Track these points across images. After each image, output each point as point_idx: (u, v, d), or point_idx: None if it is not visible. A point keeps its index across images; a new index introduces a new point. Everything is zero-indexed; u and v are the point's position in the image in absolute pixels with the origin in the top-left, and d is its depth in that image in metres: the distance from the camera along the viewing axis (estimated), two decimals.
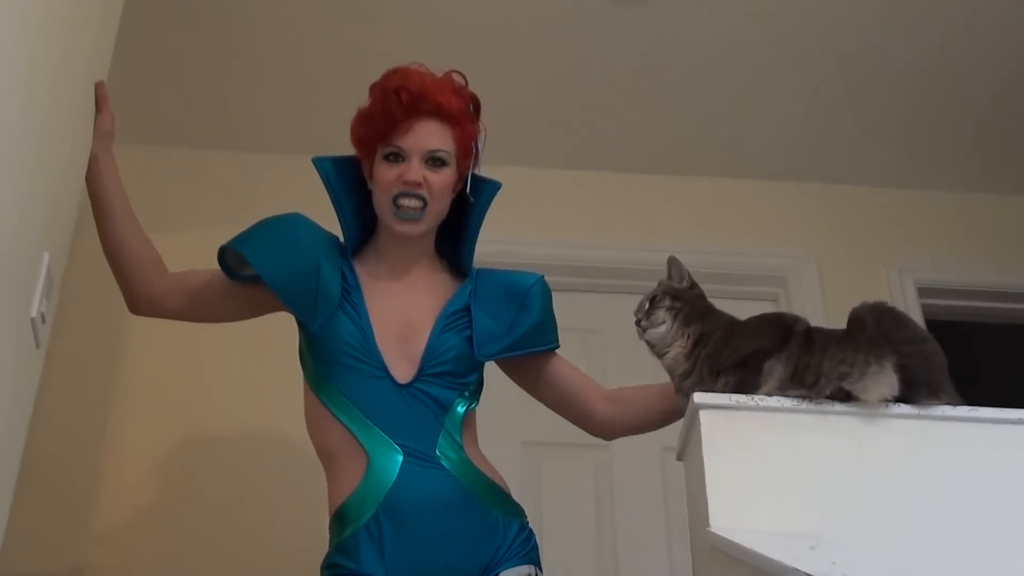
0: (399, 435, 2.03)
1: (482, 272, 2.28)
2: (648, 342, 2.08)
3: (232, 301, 2.21)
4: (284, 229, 2.16)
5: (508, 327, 2.20)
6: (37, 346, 1.74)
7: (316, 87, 3.45)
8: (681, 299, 2.08)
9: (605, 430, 2.30)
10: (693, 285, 2.12)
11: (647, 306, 2.08)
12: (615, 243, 3.68)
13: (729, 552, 1.67)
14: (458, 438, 2.09)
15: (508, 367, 2.30)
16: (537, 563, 2.09)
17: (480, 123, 2.25)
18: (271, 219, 2.18)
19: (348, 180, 2.24)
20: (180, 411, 3.23)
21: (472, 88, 2.25)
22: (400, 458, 2.01)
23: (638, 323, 2.08)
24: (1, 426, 1.58)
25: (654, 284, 2.16)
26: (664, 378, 2.13)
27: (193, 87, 3.48)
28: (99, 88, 2.06)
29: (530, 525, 2.14)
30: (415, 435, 2.04)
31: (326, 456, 2.10)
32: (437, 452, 2.04)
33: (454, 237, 2.29)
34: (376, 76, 2.23)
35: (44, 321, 1.74)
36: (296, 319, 2.17)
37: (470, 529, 2.01)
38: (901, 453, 1.83)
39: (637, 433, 2.32)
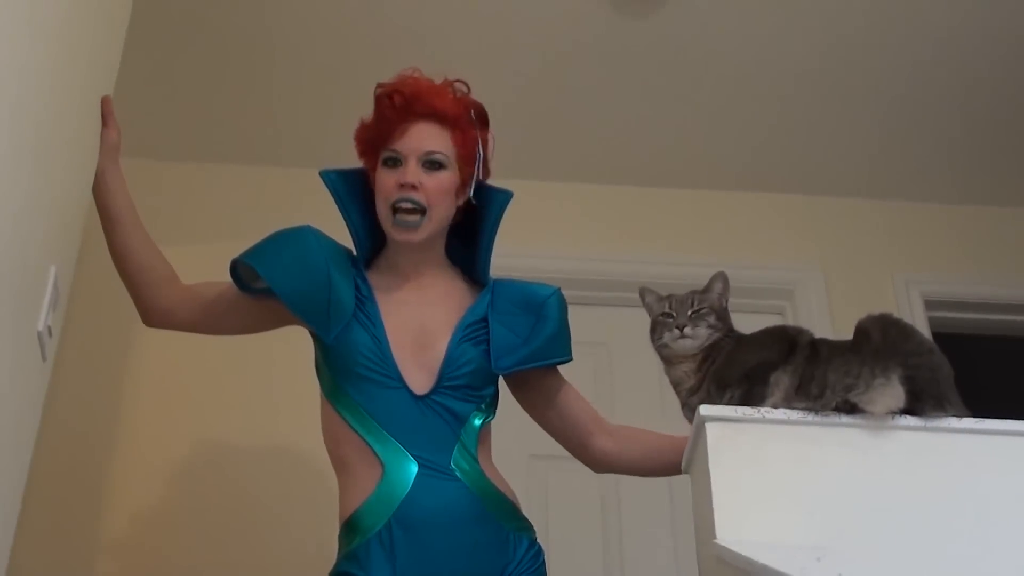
0: (414, 446, 2.02)
1: (499, 282, 2.27)
2: (674, 349, 2.06)
3: (245, 314, 2.21)
4: (295, 242, 2.15)
5: (525, 338, 2.18)
6: (44, 359, 1.74)
7: (323, 100, 3.46)
8: (723, 320, 2.08)
9: (600, 464, 2.28)
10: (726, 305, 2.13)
11: (689, 313, 2.07)
12: (622, 256, 3.68)
13: (735, 564, 1.67)
14: (473, 451, 2.08)
15: (516, 385, 2.29)
16: None
17: (490, 132, 2.24)
18: (282, 232, 2.18)
19: (356, 191, 2.24)
20: (188, 423, 3.23)
21: (479, 100, 2.25)
22: (415, 468, 2.00)
23: (680, 327, 2.05)
24: (8, 439, 1.58)
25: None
26: (670, 414, 2.14)
27: (200, 101, 3.49)
28: (105, 102, 2.06)
29: (538, 539, 2.14)
30: (430, 446, 2.03)
31: (340, 465, 2.10)
32: (452, 464, 2.03)
33: (468, 245, 2.28)
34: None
35: (51, 335, 1.75)
36: (310, 332, 2.17)
37: (482, 542, 2.01)
38: (907, 465, 1.83)
39: (630, 475, 2.33)
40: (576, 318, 3.39)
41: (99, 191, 2.09)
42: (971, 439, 1.85)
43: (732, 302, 2.17)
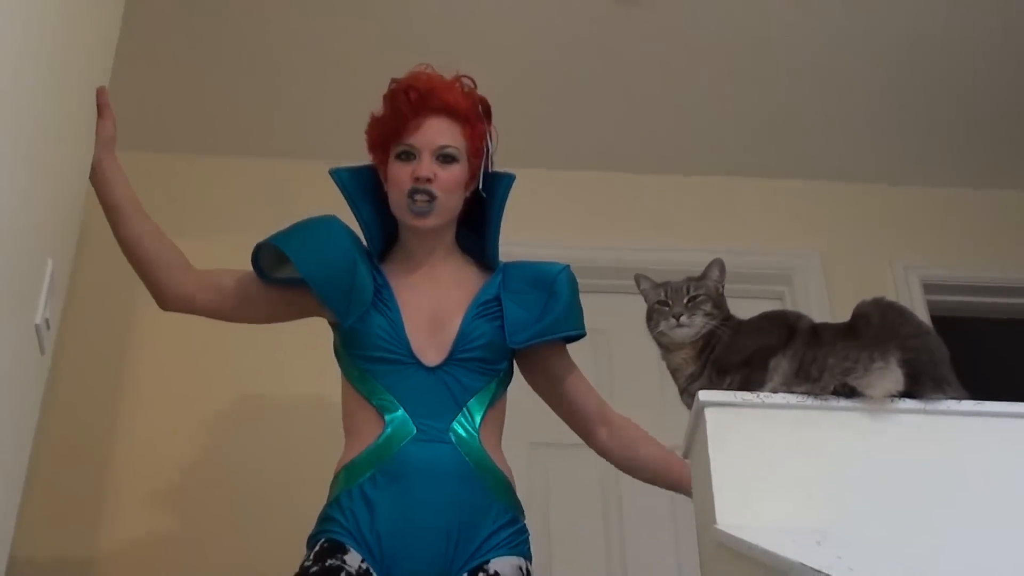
0: (419, 413, 2.08)
1: (509, 264, 2.33)
2: (671, 337, 2.07)
3: (264, 304, 2.25)
4: (322, 228, 2.22)
5: (539, 314, 2.24)
6: (42, 352, 1.74)
7: (323, 91, 3.47)
8: (719, 307, 2.09)
9: (599, 454, 2.36)
10: (722, 291, 2.14)
11: (685, 301, 2.07)
12: (620, 243, 3.69)
13: (736, 548, 1.67)
14: (475, 424, 2.12)
15: (527, 364, 2.33)
16: (528, 557, 2.12)
17: (492, 126, 2.31)
18: (309, 219, 2.24)
19: (365, 187, 2.30)
20: (188, 413, 3.24)
21: (479, 89, 2.31)
22: (414, 431, 2.06)
23: (676, 316, 2.06)
24: (7, 433, 1.58)
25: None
26: (669, 400, 2.15)
27: (199, 93, 3.49)
28: (100, 94, 2.06)
29: (538, 525, 2.16)
30: (433, 413, 2.09)
31: (349, 431, 2.17)
32: (449, 431, 2.08)
33: (477, 233, 2.34)
34: (386, 80, 2.28)
35: (49, 327, 1.75)
36: (328, 322, 2.24)
37: (462, 501, 2.05)
38: (906, 448, 1.83)
39: (625, 473, 2.37)
40: None
41: (98, 183, 2.10)
42: (970, 421, 1.85)
43: (731, 288, 2.17)
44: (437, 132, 2.21)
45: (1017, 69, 3.50)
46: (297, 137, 3.63)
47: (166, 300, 2.21)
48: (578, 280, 3.53)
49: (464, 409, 2.11)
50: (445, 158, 2.21)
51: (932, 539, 1.75)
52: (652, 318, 2.12)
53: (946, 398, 1.86)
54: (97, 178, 2.10)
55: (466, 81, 2.29)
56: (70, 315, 2.28)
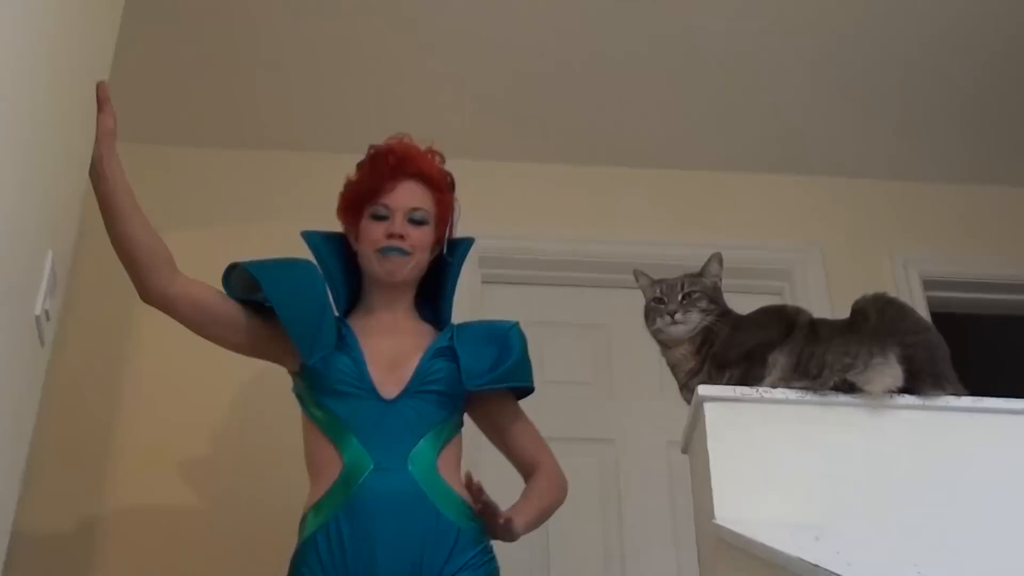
0: (376, 447, 2.14)
1: (460, 325, 2.41)
2: (668, 334, 2.08)
3: (236, 329, 2.30)
4: (297, 268, 2.32)
5: (491, 364, 2.31)
6: (42, 344, 1.74)
7: (325, 84, 3.45)
8: (716, 303, 2.09)
9: None
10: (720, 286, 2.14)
11: (680, 298, 2.08)
12: (619, 238, 3.68)
13: (734, 543, 1.67)
14: (432, 455, 2.16)
15: (476, 410, 2.39)
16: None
17: (456, 198, 2.44)
18: (286, 258, 2.32)
19: (335, 251, 2.42)
20: (188, 406, 3.22)
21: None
22: (371, 467, 2.11)
23: (671, 314, 2.07)
24: (6, 425, 1.58)
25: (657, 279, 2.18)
26: (669, 395, 2.15)
27: (205, 86, 3.47)
28: (100, 88, 2.06)
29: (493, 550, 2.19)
30: (390, 446, 2.14)
31: (312, 472, 2.22)
32: (406, 461, 2.13)
33: (433, 298, 2.44)
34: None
35: (48, 319, 1.75)
36: (289, 371, 2.32)
37: (424, 529, 2.08)
38: (905, 444, 1.84)
39: None
40: (575, 300, 3.39)
41: (96, 177, 2.10)
42: (969, 417, 1.86)
43: (730, 283, 2.18)
44: (411, 195, 2.35)
45: (1020, 64, 3.49)
46: (292, 129, 3.60)
47: (149, 296, 2.24)
48: (579, 274, 3.57)
49: (421, 440, 2.16)
50: (416, 221, 2.33)
51: (931, 534, 1.76)
52: (649, 316, 2.13)
53: (945, 394, 1.86)
54: (96, 173, 2.09)
55: (437, 155, 2.43)
56: (71, 306, 2.28)
